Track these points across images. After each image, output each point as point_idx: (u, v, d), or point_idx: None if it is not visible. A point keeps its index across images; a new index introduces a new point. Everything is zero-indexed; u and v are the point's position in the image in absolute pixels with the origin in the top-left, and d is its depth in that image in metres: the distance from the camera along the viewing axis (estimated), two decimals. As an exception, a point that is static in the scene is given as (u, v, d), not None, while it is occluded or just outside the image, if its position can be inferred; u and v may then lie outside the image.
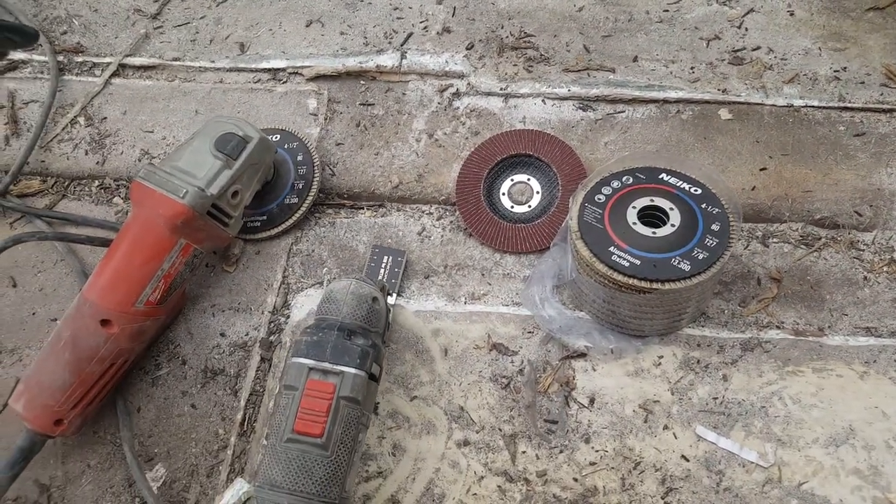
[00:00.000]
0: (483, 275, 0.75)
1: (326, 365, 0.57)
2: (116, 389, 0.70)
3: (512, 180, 0.80)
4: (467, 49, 0.91)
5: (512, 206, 0.79)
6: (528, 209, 0.78)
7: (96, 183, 0.86)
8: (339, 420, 0.55)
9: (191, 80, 0.93)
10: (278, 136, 0.82)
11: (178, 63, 0.94)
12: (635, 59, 0.88)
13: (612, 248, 0.63)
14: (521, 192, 0.80)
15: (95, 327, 0.64)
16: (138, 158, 0.87)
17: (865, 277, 0.71)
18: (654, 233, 0.64)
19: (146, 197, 0.66)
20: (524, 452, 0.65)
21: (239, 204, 0.71)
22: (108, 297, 0.65)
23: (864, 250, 0.73)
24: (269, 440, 0.58)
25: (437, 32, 0.93)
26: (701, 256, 0.62)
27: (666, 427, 0.65)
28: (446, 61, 0.90)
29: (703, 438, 0.64)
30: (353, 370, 0.57)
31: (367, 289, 0.62)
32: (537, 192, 0.79)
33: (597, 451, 0.64)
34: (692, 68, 0.87)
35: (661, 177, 0.68)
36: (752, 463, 0.62)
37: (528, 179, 0.80)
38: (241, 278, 0.77)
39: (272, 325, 0.74)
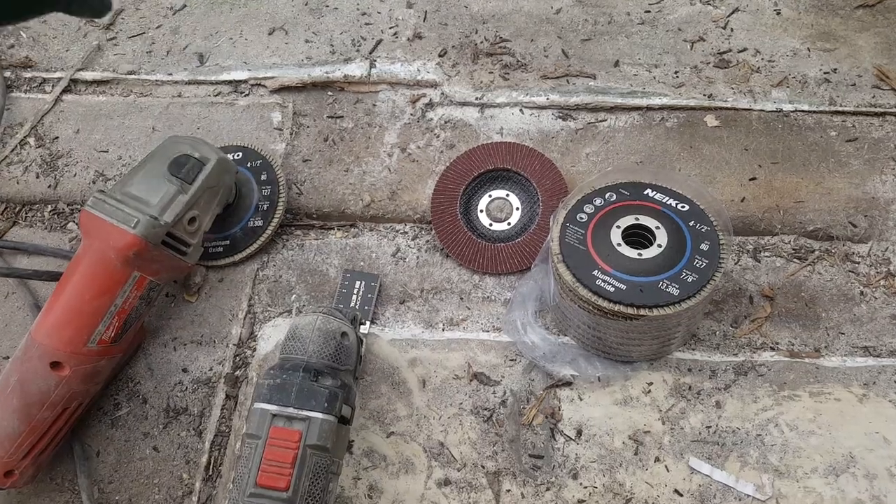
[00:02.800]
0: (462, 298, 0.71)
1: (291, 410, 0.52)
2: (73, 432, 0.65)
3: (490, 196, 0.76)
4: (440, 56, 0.86)
5: (490, 224, 0.75)
6: (508, 227, 0.74)
7: (49, 208, 0.81)
8: (306, 471, 0.51)
9: (147, 94, 0.88)
10: (240, 154, 0.77)
11: (133, 77, 0.88)
12: (616, 64, 0.84)
13: (595, 272, 0.59)
14: (500, 209, 0.76)
15: (45, 370, 0.59)
16: (93, 181, 0.81)
17: (862, 292, 0.68)
18: (639, 254, 0.60)
19: (96, 227, 0.61)
20: (509, 491, 0.61)
21: (197, 231, 0.67)
22: (58, 337, 0.60)
23: (859, 263, 0.70)
24: (231, 493, 0.53)
25: (408, 39, 0.88)
26: (690, 279, 0.58)
27: (657, 459, 0.61)
28: (418, 69, 0.85)
29: (697, 471, 0.60)
30: (320, 415, 0.52)
31: (334, 324, 0.57)
32: (517, 209, 0.75)
33: (585, 487, 0.61)
34: (676, 72, 0.83)
35: (646, 192, 0.64)
36: (749, 496, 0.59)
37: (507, 195, 0.76)
38: (203, 308, 0.72)
39: (237, 358, 0.69)
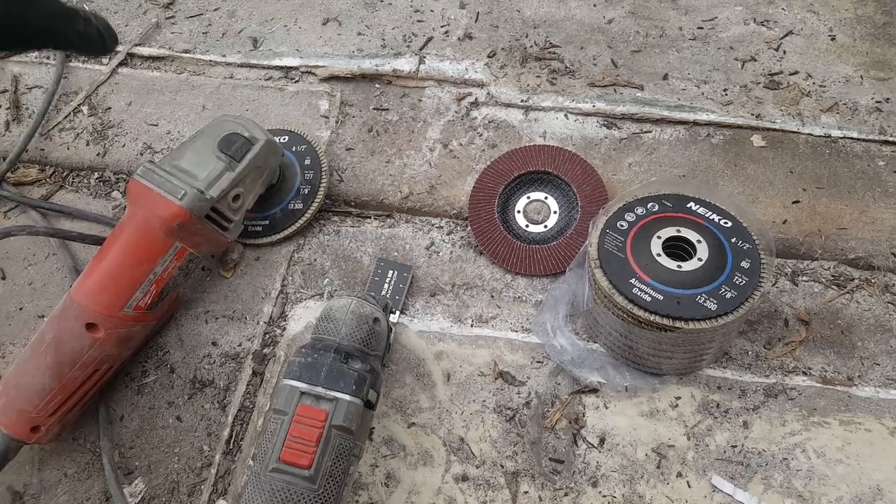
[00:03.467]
0: (492, 296, 0.71)
1: (320, 390, 0.53)
2: (100, 395, 0.66)
3: (528, 198, 0.76)
4: (489, 57, 0.87)
5: (527, 226, 0.75)
6: (545, 229, 0.74)
7: (96, 175, 0.83)
8: (329, 451, 0.51)
9: (200, 73, 0.89)
10: (286, 138, 0.78)
11: (188, 55, 0.90)
12: (665, 77, 0.84)
13: (633, 280, 0.59)
14: (538, 211, 0.76)
15: (80, 331, 0.61)
16: (140, 152, 0.83)
17: (901, 325, 0.67)
18: (679, 266, 0.59)
19: (143, 196, 0.63)
20: (526, 493, 0.61)
21: (240, 208, 0.68)
22: (96, 299, 0.61)
23: (900, 295, 0.69)
24: (253, 466, 0.54)
25: (458, 38, 0.89)
26: (729, 295, 0.57)
27: (680, 475, 0.60)
28: (466, 69, 0.86)
29: (719, 489, 0.59)
30: (347, 397, 0.53)
31: (368, 309, 0.58)
32: (555, 212, 0.75)
33: (604, 496, 0.60)
34: (725, 90, 0.82)
35: (689, 206, 0.64)
36: (771, 520, 0.58)
37: (546, 198, 0.76)
38: (237, 285, 0.73)
39: (267, 336, 0.70)
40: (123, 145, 0.84)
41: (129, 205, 0.64)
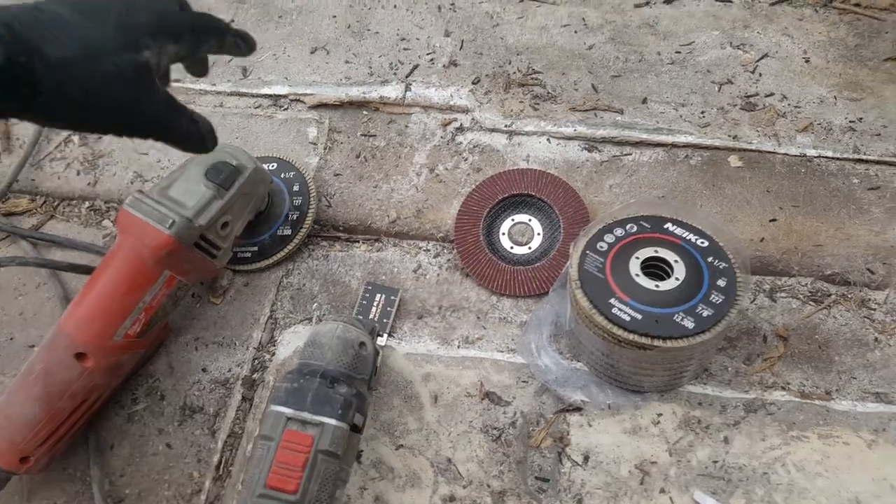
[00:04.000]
0: (479, 318, 0.73)
1: (306, 415, 0.54)
2: (90, 424, 0.67)
3: (513, 220, 0.78)
4: (473, 83, 0.89)
5: (512, 247, 0.76)
6: (529, 251, 0.76)
7: (86, 204, 0.84)
8: (315, 475, 0.52)
9: (190, 102, 0.91)
10: (275, 165, 0.80)
11: (178, 84, 0.92)
12: (644, 101, 0.86)
13: (612, 300, 0.60)
14: (522, 233, 0.77)
15: (70, 360, 0.61)
16: (131, 181, 0.85)
17: (876, 339, 0.68)
18: (657, 286, 0.61)
19: (131, 226, 0.64)
20: (513, 512, 0.61)
21: (229, 235, 0.69)
22: (85, 329, 0.62)
23: (875, 310, 0.70)
24: (241, 492, 0.55)
25: (444, 65, 0.91)
26: (705, 314, 0.59)
27: (662, 490, 0.61)
28: (451, 95, 0.88)
29: (702, 505, 0.60)
30: (334, 422, 0.54)
31: (354, 333, 0.59)
32: (538, 234, 0.77)
33: (590, 513, 0.61)
34: (703, 112, 0.85)
35: (666, 226, 0.65)
36: (754, 535, 0.59)
37: (530, 220, 0.78)
38: (227, 311, 0.74)
39: (256, 362, 0.71)
40: (114, 174, 0.86)
41: (118, 234, 0.65)
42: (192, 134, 0.52)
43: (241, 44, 0.54)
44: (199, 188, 0.66)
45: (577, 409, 0.66)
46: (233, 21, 0.99)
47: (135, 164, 0.86)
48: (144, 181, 0.85)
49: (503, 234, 0.77)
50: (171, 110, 0.50)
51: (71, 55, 0.41)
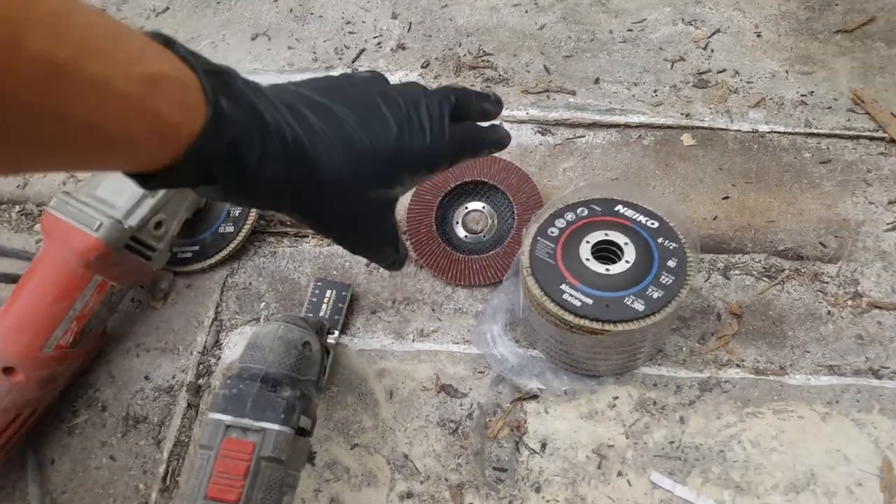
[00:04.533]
0: (433, 310, 0.71)
1: (246, 421, 0.51)
2: (27, 440, 0.64)
3: (466, 208, 0.76)
4: (423, 67, 0.87)
5: (466, 236, 0.74)
6: (483, 239, 0.74)
7: (17, 208, 0.80)
8: (259, 483, 0.50)
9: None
10: (215, 160, 0.76)
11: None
12: (597, 81, 0.84)
13: (563, 286, 0.59)
14: (476, 221, 0.75)
15: (-2, 375, 0.58)
16: (63, 181, 0.81)
17: (829, 312, 0.68)
18: (607, 270, 0.60)
19: (57, 229, 0.60)
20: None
21: (164, 235, 0.66)
22: (13, 341, 0.58)
23: (828, 283, 0.70)
24: (183, 504, 0.52)
25: (392, 49, 0.88)
26: (656, 295, 0.58)
27: (620, 473, 0.61)
28: (400, 80, 0.85)
29: (659, 486, 0.60)
30: (276, 426, 0.51)
31: (297, 333, 0.56)
32: (492, 222, 0.75)
33: (547, 501, 0.60)
34: (655, 91, 0.83)
35: (617, 209, 0.64)
36: (711, 515, 0.58)
37: (483, 207, 0.76)
38: (169, 315, 0.71)
39: (201, 367, 0.68)
40: (44, 175, 0.81)
41: (44, 239, 0.62)
42: (394, 262, 0.51)
43: (490, 108, 0.49)
44: (129, 187, 0.63)
45: (534, 397, 0.65)
46: (168, 9, 0.95)
47: (68, 163, 0.82)
48: (78, 181, 0.81)
49: (457, 222, 0.75)
50: (392, 238, 0.49)
51: (339, 179, 0.41)
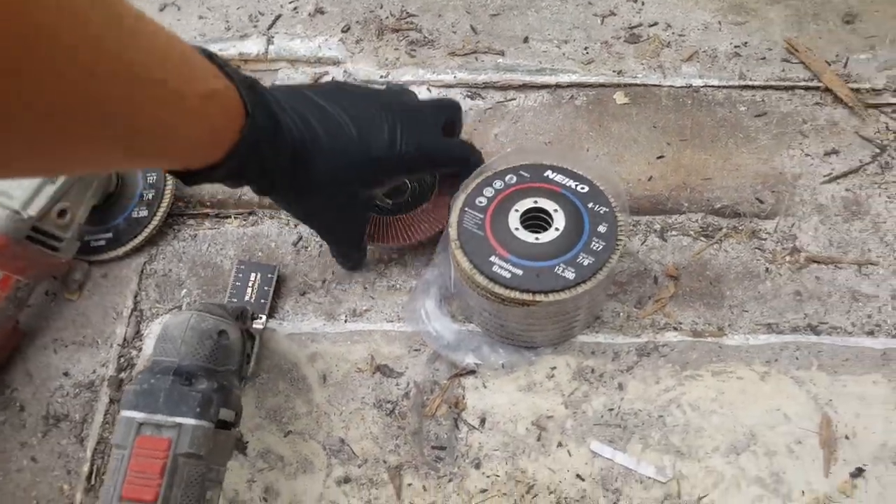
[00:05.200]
0: (365, 288, 0.68)
1: (160, 417, 0.49)
2: (-64, 448, 0.60)
3: (395, 179, 0.72)
4: (343, 32, 0.82)
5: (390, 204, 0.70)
6: (409, 201, 0.69)
7: (-87, 202, 0.74)
8: (178, 481, 0.48)
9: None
10: (126, 140, 0.71)
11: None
12: (526, 40, 0.81)
13: (493, 258, 0.57)
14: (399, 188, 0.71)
15: None
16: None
17: (767, 269, 0.68)
18: (537, 238, 0.58)
19: (-53, 224, 0.56)
20: (410, 485, 0.59)
21: (70, 224, 0.62)
22: None
23: (765, 239, 0.70)
24: (98, 509, 0.50)
25: (309, 14, 0.83)
26: (586, 262, 0.56)
27: (560, 444, 0.60)
28: (319, 46, 0.81)
29: (599, 454, 0.59)
30: (193, 421, 0.49)
31: (211, 322, 0.53)
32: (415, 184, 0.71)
33: (488, 476, 0.59)
34: (586, 48, 0.81)
35: (546, 174, 0.62)
36: (650, 478, 0.58)
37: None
38: (85, 307, 0.67)
39: (122, 360, 0.65)
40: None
41: (-66, 235, 0.57)
42: (356, 263, 0.67)
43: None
44: (24, 175, 0.58)
45: (471, 373, 0.63)
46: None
47: (-32, 151, 0.76)
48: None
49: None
50: (360, 236, 0.62)
51: (327, 178, 0.52)
